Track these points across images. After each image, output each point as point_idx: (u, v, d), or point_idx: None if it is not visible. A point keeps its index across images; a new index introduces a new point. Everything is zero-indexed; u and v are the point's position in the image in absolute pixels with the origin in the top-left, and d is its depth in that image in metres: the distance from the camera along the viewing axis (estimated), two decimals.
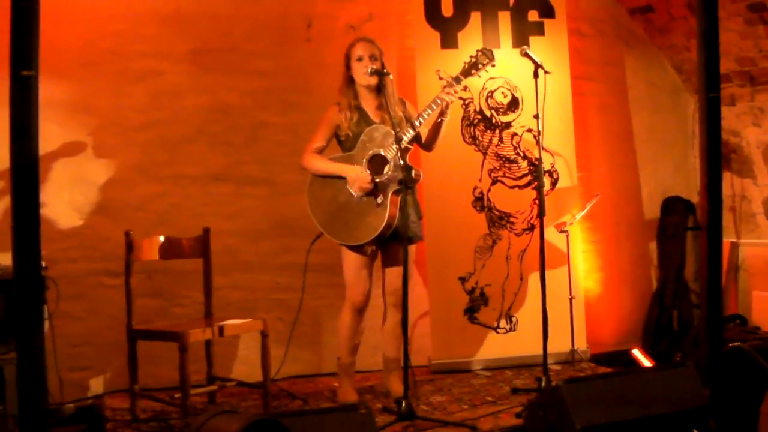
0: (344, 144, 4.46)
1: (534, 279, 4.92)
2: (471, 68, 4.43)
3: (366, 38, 4.50)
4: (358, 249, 4.38)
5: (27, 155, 3.07)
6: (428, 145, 4.59)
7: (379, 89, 4.42)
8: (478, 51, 4.46)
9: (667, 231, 5.96)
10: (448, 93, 4.34)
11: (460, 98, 5.20)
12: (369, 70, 4.29)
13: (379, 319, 4.60)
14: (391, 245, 4.44)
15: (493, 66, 4.49)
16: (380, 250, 4.49)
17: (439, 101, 4.32)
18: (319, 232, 4.38)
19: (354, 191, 4.32)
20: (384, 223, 4.26)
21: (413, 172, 4.15)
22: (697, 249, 5.85)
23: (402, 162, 4.19)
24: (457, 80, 4.40)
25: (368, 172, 4.30)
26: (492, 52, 4.46)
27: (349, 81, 4.47)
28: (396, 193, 4.30)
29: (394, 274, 4.46)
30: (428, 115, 4.32)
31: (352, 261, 4.42)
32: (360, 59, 4.39)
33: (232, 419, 2.85)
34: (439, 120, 4.42)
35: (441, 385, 4.90)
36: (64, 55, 4.74)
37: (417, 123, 4.30)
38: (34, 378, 3.07)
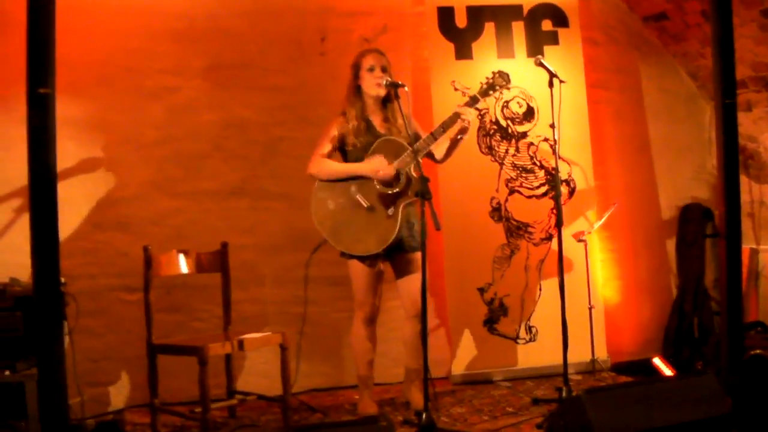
0: (350, 154, 4.44)
1: (553, 288, 4.90)
2: (489, 89, 4.46)
3: (376, 50, 4.51)
4: (363, 260, 4.37)
5: (45, 172, 3.10)
6: (441, 160, 4.59)
7: (385, 102, 4.44)
8: (494, 73, 4.49)
9: (686, 238, 5.92)
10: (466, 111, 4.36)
11: (476, 108, 5.21)
12: (385, 82, 4.29)
13: (399, 331, 4.60)
14: (398, 256, 4.44)
15: (508, 89, 4.84)
16: (389, 262, 4.49)
17: (456, 117, 4.33)
18: (322, 240, 4.37)
19: (376, 181, 4.28)
20: (394, 236, 4.27)
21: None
22: (717, 256, 5.81)
23: (414, 175, 4.21)
24: (475, 100, 4.43)
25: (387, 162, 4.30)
26: (508, 75, 4.50)
27: (356, 91, 4.47)
28: (407, 206, 4.31)
29: (408, 284, 4.45)
30: (444, 130, 4.33)
31: (359, 272, 4.41)
32: (372, 69, 4.39)
33: None
34: (459, 137, 4.43)
35: (461, 396, 4.89)
36: (80, 72, 4.78)
37: (434, 136, 4.30)
38: (55, 394, 3.08)
